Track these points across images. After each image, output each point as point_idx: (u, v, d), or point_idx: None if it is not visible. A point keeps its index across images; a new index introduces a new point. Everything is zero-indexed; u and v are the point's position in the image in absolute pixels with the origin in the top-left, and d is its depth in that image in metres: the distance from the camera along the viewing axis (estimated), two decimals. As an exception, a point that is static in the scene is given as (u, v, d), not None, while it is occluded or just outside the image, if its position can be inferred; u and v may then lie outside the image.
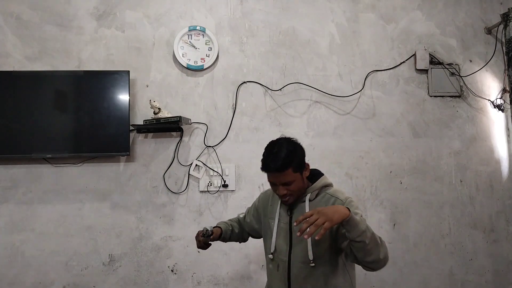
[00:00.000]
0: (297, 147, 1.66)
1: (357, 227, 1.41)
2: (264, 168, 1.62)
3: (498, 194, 2.87)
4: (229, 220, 2.03)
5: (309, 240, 1.59)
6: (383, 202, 2.77)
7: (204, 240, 1.80)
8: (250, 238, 2.05)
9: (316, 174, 1.75)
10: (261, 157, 1.64)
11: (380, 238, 1.50)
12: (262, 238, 1.90)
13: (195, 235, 1.85)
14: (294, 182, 1.61)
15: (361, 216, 1.54)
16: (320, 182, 1.71)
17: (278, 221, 1.73)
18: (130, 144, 2.57)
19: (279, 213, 1.74)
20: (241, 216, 2.03)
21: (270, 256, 1.73)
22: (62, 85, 2.56)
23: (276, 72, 2.79)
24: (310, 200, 1.67)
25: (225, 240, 1.93)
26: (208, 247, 1.85)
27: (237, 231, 1.97)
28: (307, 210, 1.63)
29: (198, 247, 1.84)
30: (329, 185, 1.73)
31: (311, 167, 1.71)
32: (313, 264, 1.61)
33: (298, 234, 1.42)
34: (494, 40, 2.94)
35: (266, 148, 1.65)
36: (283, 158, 1.57)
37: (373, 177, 2.79)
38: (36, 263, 2.54)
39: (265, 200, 1.88)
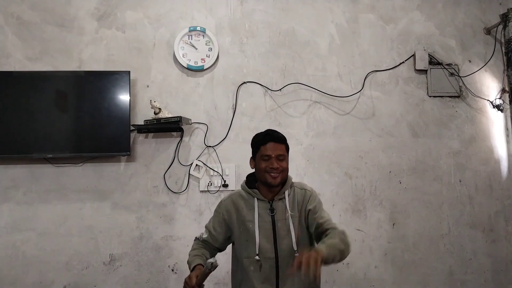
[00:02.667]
0: None
1: (331, 259, 1.53)
2: (267, 137, 1.78)
3: (497, 194, 2.87)
4: (193, 251, 1.86)
5: (292, 232, 1.74)
6: (382, 202, 2.78)
7: (206, 275, 1.63)
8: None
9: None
10: (256, 138, 1.84)
11: (343, 236, 1.63)
12: (231, 245, 1.91)
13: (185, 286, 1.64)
14: (285, 160, 1.78)
15: (326, 214, 1.78)
16: (290, 180, 1.85)
17: (258, 220, 1.78)
18: (130, 144, 2.58)
19: (258, 214, 1.79)
20: (204, 236, 1.88)
21: (257, 257, 1.74)
22: (62, 86, 2.56)
23: (276, 72, 2.80)
24: (286, 197, 1.81)
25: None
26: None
27: (209, 257, 1.82)
28: (287, 204, 1.78)
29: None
30: (290, 179, 1.87)
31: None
32: (297, 254, 1.71)
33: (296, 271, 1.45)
34: (493, 40, 2.94)
35: (262, 131, 1.85)
36: (281, 134, 1.82)
37: (373, 177, 2.80)
38: (37, 263, 2.55)
39: (233, 206, 1.85)
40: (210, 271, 1.59)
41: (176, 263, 2.61)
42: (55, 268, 2.55)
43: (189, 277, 1.64)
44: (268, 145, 1.76)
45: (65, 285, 2.55)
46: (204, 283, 1.66)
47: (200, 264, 1.71)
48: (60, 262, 2.56)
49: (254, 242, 1.76)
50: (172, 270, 2.61)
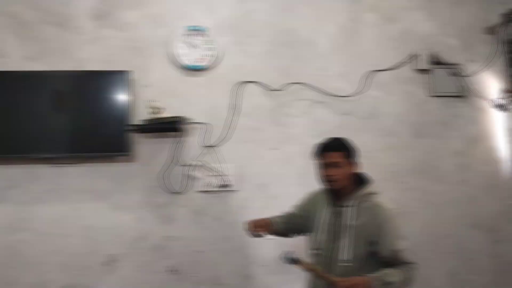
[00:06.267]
0: (350, 143, 1.89)
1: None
2: (321, 147, 1.87)
3: (500, 194, 2.85)
4: (277, 216, 2.11)
5: (347, 241, 1.79)
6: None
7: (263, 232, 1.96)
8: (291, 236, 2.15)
9: (365, 180, 1.91)
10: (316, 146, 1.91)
11: (406, 273, 1.76)
12: (298, 234, 2.10)
13: (253, 226, 1.95)
14: (343, 167, 1.81)
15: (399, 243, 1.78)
16: (365, 190, 1.86)
17: (324, 220, 1.89)
18: (129, 144, 2.56)
19: (325, 212, 1.90)
20: (290, 211, 2.13)
21: (314, 251, 1.89)
22: (61, 85, 2.54)
23: (276, 72, 2.78)
24: (353, 206, 1.83)
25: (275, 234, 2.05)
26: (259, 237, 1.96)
27: (286, 226, 2.08)
28: (349, 214, 1.81)
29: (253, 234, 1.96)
30: (373, 193, 1.88)
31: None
32: (347, 264, 1.78)
33: None
34: (496, 40, 2.92)
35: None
36: (339, 141, 1.87)
37: (374, 177, 2.75)
38: (34, 264, 2.52)
39: (314, 198, 2.01)
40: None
41: (176, 263, 2.60)
42: (53, 268, 2.53)
43: (257, 222, 1.96)
44: (323, 154, 1.86)
45: (63, 285, 2.53)
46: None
47: (268, 219, 2.02)
48: (58, 263, 2.54)
49: (317, 236, 1.89)
50: (171, 270, 2.59)
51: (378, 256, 1.78)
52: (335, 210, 1.88)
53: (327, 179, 1.83)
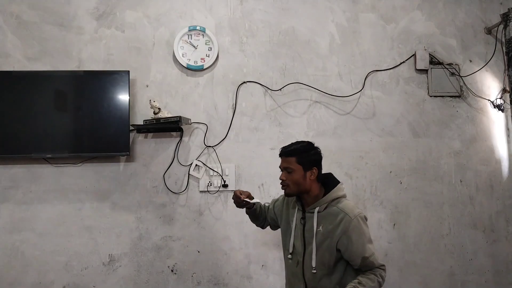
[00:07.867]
0: (312, 148, 1.87)
1: None
2: (280, 151, 1.87)
3: (498, 194, 2.87)
4: (258, 202, 2.14)
5: (313, 248, 1.77)
6: (383, 202, 2.77)
7: (244, 205, 1.99)
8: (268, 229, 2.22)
9: (332, 183, 1.86)
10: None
11: (379, 277, 1.73)
12: (276, 231, 2.14)
13: (235, 196, 1.97)
14: (294, 172, 1.78)
15: (368, 250, 1.73)
16: (331, 195, 1.81)
17: (295, 225, 1.88)
18: (130, 144, 2.57)
19: (296, 217, 1.89)
20: (267, 205, 2.16)
21: (289, 256, 1.89)
22: (62, 85, 2.56)
23: (276, 72, 2.79)
24: (319, 212, 1.80)
25: (255, 213, 2.09)
26: (243, 207, 2.02)
27: (265, 215, 2.13)
28: (315, 221, 1.78)
29: (237, 204, 2.00)
30: (341, 197, 1.82)
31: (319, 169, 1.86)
32: (314, 271, 1.78)
33: None
34: (494, 40, 2.93)
35: None
36: (293, 147, 1.84)
37: (373, 177, 2.79)
38: (36, 263, 2.54)
39: (288, 200, 2.00)
40: (250, 204, 1.93)
41: (176, 263, 2.61)
42: (54, 268, 2.54)
43: (242, 191, 1.97)
44: (280, 158, 1.87)
45: (64, 285, 2.54)
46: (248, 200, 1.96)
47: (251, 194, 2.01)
48: (59, 263, 2.55)
49: (290, 241, 1.89)
50: (172, 270, 2.61)
51: (348, 263, 1.78)
52: (303, 215, 1.86)
53: (282, 183, 1.84)
